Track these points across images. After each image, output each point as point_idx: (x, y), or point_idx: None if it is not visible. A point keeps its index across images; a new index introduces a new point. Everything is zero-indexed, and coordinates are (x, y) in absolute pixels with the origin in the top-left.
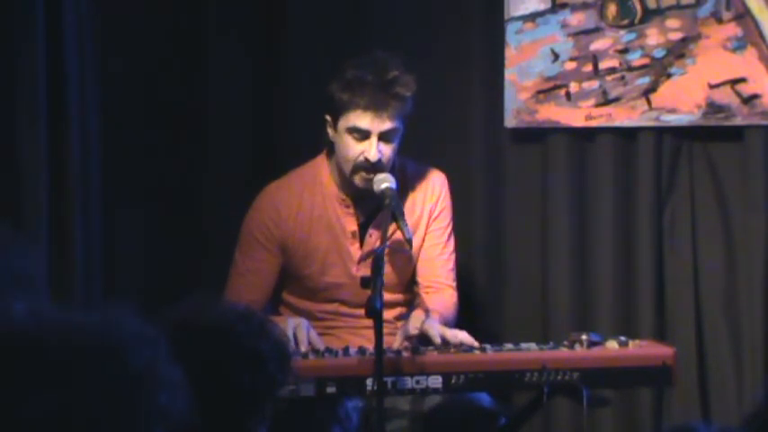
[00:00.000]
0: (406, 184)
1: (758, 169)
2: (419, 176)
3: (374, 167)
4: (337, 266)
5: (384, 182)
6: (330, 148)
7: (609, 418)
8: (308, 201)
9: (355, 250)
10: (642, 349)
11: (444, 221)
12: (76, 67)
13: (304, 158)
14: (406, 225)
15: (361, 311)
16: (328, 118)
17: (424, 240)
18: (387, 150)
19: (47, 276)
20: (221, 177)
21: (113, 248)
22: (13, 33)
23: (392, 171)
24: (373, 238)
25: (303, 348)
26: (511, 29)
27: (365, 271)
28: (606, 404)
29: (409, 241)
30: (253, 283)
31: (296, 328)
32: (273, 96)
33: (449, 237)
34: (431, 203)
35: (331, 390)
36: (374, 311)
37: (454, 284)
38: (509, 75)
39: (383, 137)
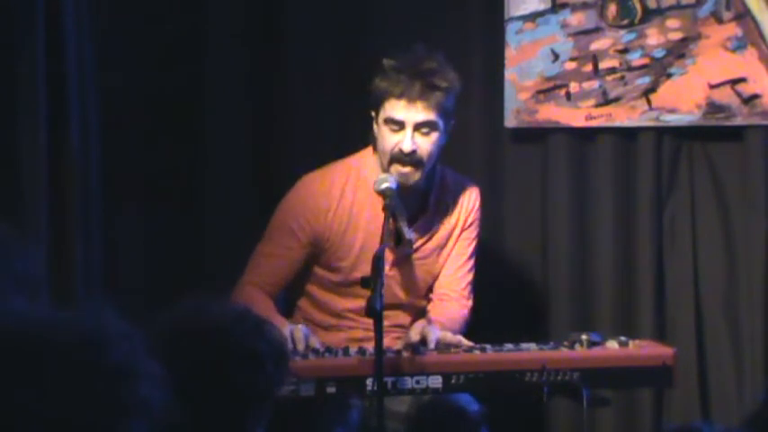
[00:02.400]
0: (446, 192)
1: (758, 169)
2: (458, 186)
3: (411, 160)
4: (370, 264)
5: (384, 182)
6: (375, 144)
7: (609, 418)
8: (350, 195)
9: (392, 249)
10: (642, 349)
11: (473, 233)
12: (76, 68)
13: (304, 158)
14: (406, 225)
15: (386, 313)
16: (372, 113)
17: (452, 249)
18: (424, 144)
19: (47, 276)
20: (221, 177)
21: (113, 248)
22: (13, 33)
23: (433, 178)
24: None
25: (300, 348)
26: (511, 29)
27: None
28: (606, 404)
29: (409, 242)
30: (274, 266)
31: (293, 331)
32: (273, 96)
33: (473, 250)
34: (465, 214)
35: (331, 390)
36: (374, 312)
37: (469, 296)
38: (509, 75)
39: (419, 129)
